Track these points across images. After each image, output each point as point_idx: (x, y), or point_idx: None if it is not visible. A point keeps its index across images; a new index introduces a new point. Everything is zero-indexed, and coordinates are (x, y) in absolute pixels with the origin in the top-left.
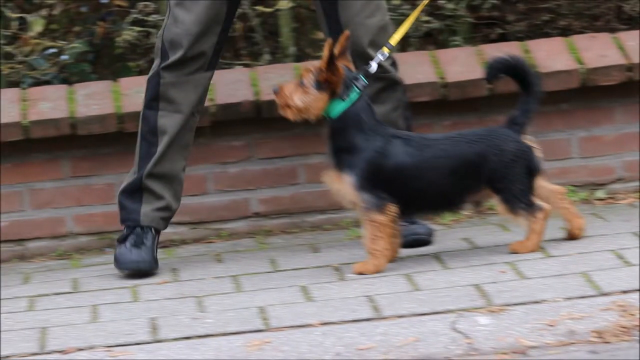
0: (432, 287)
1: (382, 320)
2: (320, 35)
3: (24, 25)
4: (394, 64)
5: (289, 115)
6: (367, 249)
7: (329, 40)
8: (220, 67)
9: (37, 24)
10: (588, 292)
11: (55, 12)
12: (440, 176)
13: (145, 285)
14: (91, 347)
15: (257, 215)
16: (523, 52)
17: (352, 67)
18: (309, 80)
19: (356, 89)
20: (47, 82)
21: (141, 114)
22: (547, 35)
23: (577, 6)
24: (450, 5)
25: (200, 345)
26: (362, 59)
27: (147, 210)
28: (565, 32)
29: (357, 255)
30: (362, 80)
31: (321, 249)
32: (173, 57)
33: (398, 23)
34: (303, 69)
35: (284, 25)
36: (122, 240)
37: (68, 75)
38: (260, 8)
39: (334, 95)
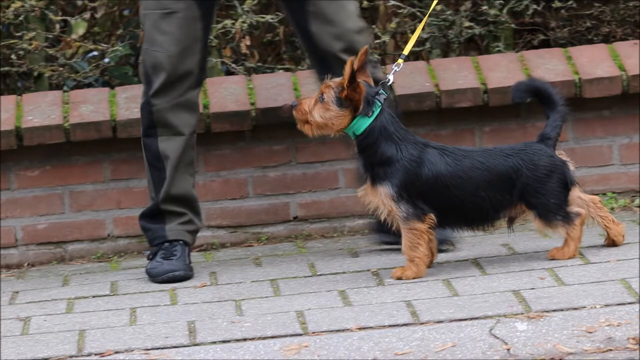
0: (470, 292)
1: (420, 326)
2: None
3: (66, 28)
4: (375, 64)
5: (307, 131)
6: (407, 256)
7: (351, 58)
8: (262, 71)
9: (79, 27)
10: (627, 299)
11: (98, 15)
12: (476, 188)
13: (183, 289)
14: (129, 350)
15: (296, 219)
16: (565, 59)
17: (371, 81)
18: (330, 96)
19: (378, 102)
20: (89, 85)
21: (142, 142)
22: (589, 41)
23: (620, 13)
24: (493, 11)
25: (237, 348)
26: (339, 64)
27: (171, 226)
28: (607, 38)
29: (396, 260)
30: (384, 94)
31: (360, 253)
32: (158, 81)
33: (440, 28)
34: (323, 85)
35: None
36: (152, 256)
37: (110, 78)
38: None
39: (355, 111)
